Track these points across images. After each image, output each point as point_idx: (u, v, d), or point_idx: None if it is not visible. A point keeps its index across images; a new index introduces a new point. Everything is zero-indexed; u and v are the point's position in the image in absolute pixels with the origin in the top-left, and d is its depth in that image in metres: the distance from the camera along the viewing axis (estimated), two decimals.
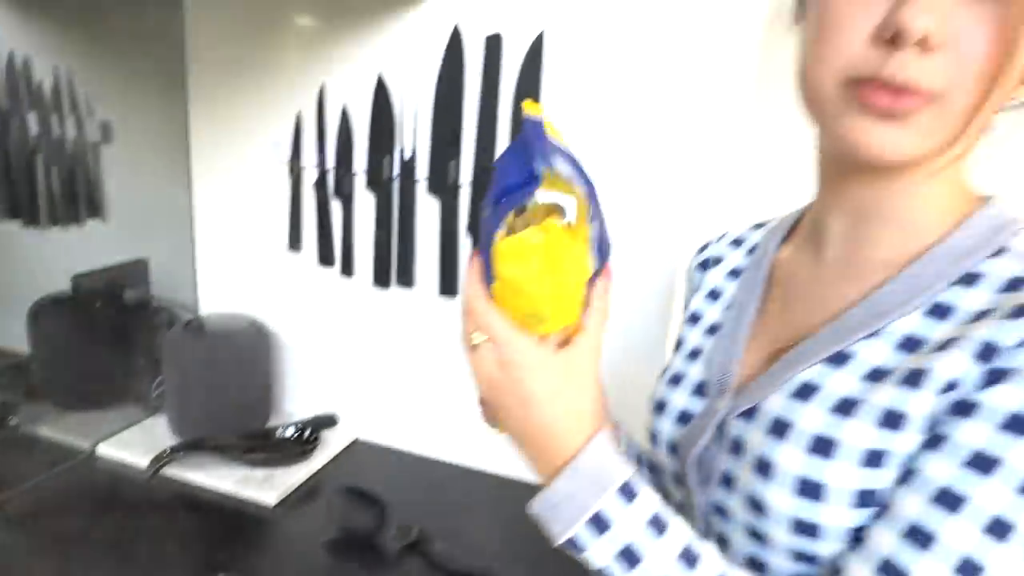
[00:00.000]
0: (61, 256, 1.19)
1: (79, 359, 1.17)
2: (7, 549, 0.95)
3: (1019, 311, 0.47)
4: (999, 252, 0.53)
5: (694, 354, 0.69)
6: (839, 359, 0.55)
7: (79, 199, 1.23)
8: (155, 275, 1.27)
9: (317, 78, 1.14)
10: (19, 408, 1.12)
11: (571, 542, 0.51)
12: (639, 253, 1.01)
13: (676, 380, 0.69)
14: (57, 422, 1.16)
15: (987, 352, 0.47)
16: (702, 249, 0.78)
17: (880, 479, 0.49)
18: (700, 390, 0.66)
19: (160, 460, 1.05)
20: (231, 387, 1.18)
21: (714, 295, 0.73)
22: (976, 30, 0.45)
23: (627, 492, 0.51)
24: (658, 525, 0.51)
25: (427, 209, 1.12)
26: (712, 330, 0.70)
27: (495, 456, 1.17)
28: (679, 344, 0.73)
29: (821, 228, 0.62)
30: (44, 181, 1.19)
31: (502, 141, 1.04)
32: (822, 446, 0.52)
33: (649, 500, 0.52)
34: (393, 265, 1.16)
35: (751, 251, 0.73)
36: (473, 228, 1.08)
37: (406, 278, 1.16)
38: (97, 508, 1.04)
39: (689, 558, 0.50)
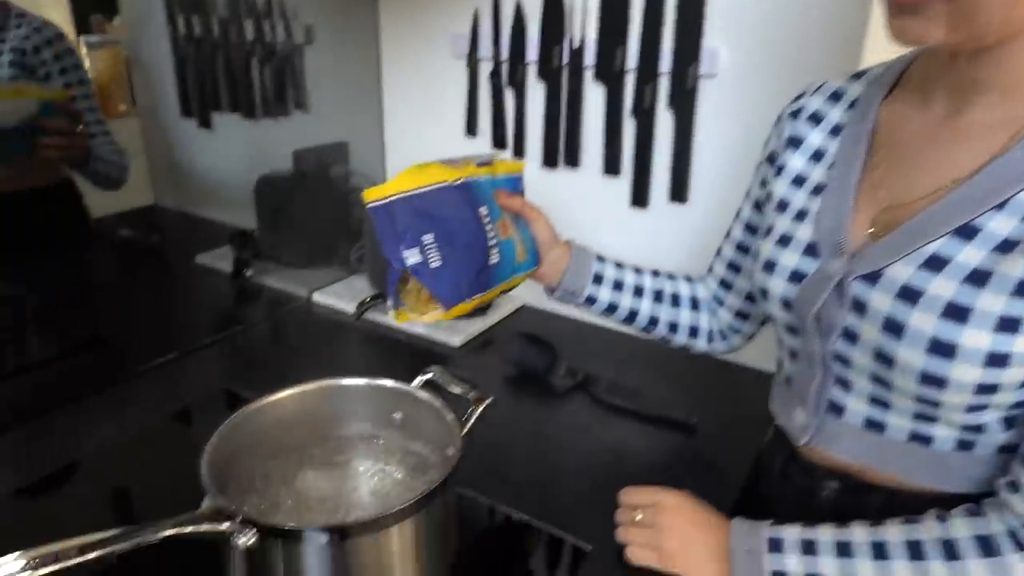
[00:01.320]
0: (274, 144, 1.40)
1: (295, 225, 1.39)
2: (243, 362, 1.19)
3: None
4: None
5: (800, 215, 0.71)
6: (967, 232, 0.57)
7: (287, 94, 1.43)
8: (351, 156, 1.46)
9: None
10: (251, 264, 1.36)
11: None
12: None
13: (784, 241, 0.71)
14: (281, 275, 1.40)
15: None
16: (798, 98, 0.78)
17: (1012, 344, 0.55)
18: (811, 251, 0.68)
19: (364, 305, 1.26)
20: None
21: (817, 155, 0.73)
22: None
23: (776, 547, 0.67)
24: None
25: (594, 95, 1.23)
26: (817, 190, 0.71)
27: None
28: (782, 205, 0.74)
29: (929, 88, 0.64)
30: (258, 79, 1.39)
31: (668, 28, 1.13)
32: (956, 312, 0.56)
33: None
34: (561, 148, 1.29)
35: (852, 105, 0.72)
36: (637, 111, 1.19)
37: (573, 159, 1.29)
38: (315, 340, 1.27)
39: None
